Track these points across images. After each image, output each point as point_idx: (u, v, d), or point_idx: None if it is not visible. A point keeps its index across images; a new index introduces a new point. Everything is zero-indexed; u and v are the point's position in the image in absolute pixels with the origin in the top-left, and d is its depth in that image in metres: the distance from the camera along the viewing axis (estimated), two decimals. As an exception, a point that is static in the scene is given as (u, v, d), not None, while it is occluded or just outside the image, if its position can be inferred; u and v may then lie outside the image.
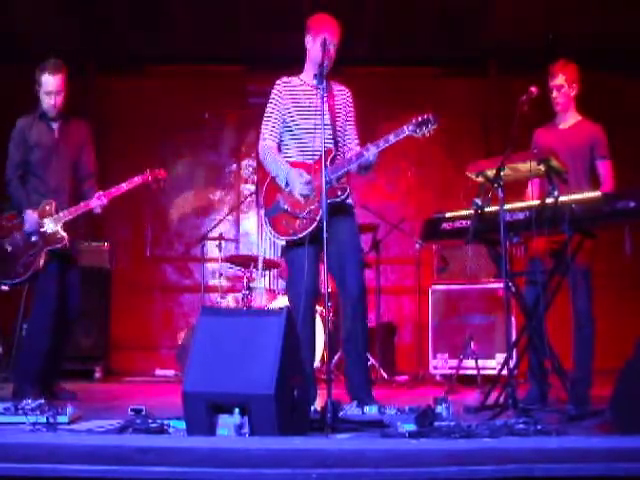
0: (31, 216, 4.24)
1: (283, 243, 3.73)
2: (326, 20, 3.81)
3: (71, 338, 4.60)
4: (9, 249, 4.29)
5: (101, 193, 4.27)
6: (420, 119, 3.59)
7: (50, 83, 4.28)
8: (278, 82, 3.89)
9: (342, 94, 3.94)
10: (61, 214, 4.26)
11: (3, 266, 4.30)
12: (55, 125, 4.42)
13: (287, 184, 3.71)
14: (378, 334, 5.94)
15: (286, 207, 3.71)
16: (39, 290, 4.32)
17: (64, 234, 4.25)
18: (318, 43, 3.72)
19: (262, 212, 3.84)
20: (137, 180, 4.37)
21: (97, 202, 4.26)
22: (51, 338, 4.25)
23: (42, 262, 4.23)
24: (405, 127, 3.60)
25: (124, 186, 4.32)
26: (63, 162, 4.38)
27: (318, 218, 3.55)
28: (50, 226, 4.24)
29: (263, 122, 3.88)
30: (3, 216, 4.40)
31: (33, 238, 4.25)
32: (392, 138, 3.61)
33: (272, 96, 3.88)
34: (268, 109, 3.87)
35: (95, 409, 3.66)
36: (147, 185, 4.42)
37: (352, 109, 3.97)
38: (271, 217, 3.76)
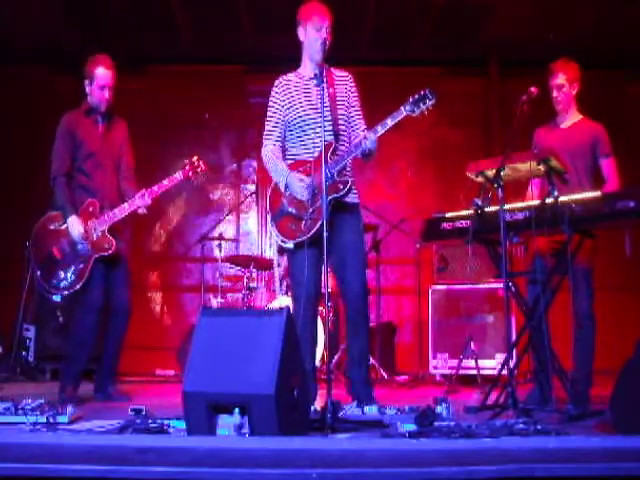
0: (75, 225, 4.14)
1: (291, 246, 3.70)
2: (314, 7, 3.79)
3: (122, 341, 4.57)
4: (58, 257, 4.19)
5: (144, 191, 4.16)
6: (417, 96, 3.50)
7: (106, 76, 4.27)
8: (275, 83, 3.89)
9: (343, 80, 3.89)
10: (106, 216, 4.17)
11: (53, 275, 4.19)
12: (100, 121, 4.38)
13: (287, 188, 3.71)
14: (378, 334, 5.93)
15: (290, 210, 3.71)
16: (85, 294, 4.22)
17: (112, 239, 4.17)
18: (309, 31, 3.74)
19: (269, 217, 3.84)
20: (178, 177, 4.25)
21: (141, 202, 4.18)
22: (95, 337, 4.28)
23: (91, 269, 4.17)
24: (402, 107, 3.52)
25: (165, 183, 4.21)
26: (109, 160, 4.35)
27: (320, 217, 3.49)
28: (97, 232, 4.16)
29: (265, 126, 3.89)
30: (48, 216, 4.28)
31: (80, 247, 4.17)
32: (390, 121, 3.52)
33: (271, 98, 3.88)
34: (268, 113, 3.88)
35: (95, 409, 3.66)
36: (188, 179, 4.29)
37: (355, 95, 3.91)
38: (277, 222, 3.76)
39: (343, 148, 3.74)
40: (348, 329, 3.78)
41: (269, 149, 3.84)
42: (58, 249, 4.19)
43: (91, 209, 4.20)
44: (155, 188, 4.18)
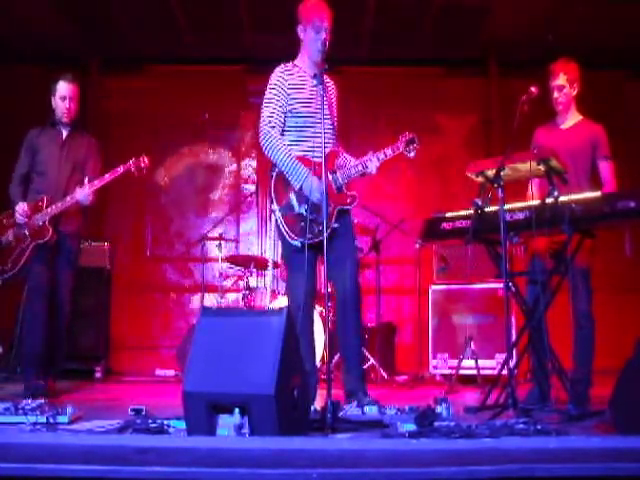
0: (21, 206, 4.43)
1: (298, 244, 3.69)
2: (315, 5, 3.79)
3: (66, 335, 4.63)
4: (2, 245, 4.52)
5: (85, 184, 4.41)
6: (408, 137, 3.87)
7: (65, 88, 4.60)
8: (280, 68, 3.85)
9: (331, 87, 3.98)
10: (49, 209, 4.42)
11: None
12: (64, 131, 4.65)
13: (301, 188, 3.70)
14: (378, 334, 5.94)
15: (302, 210, 3.70)
16: (30, 281, 4.49)
17: (50, 229, 4.41)
18: (310, 30, 3.75)
19: (274, 207, 3.77)
20: (119, 170, 4.46)
21: (81, 193, 4.39)
22: (46, 326, 4.41)
23: (29, 256, 4.41)
24: (399, 144, 3.87)
25: (107, 176, 4.43)
26: (66, 165, 4.58)
27: (332, 224, 3.69)
28: (39, 222, 4.41)
29: (266, 107, 3.80)
30: (6, 212, 4.60)
31: (22, 233, 4.44)
32: (389, 153, 3.85)
33: (275, 81, 3.81)
34: (271, 94, 3.80)
35: (95, 409, 3.66)
36: (130, 172, 4.49)
37: (336, 102, 4.02)
38: (286, 216, 3.73)
39: (340, 155, 3.88)
40: (340, 326, 3.80)
41: (276, 134, 3.75)
42: (3, 240, 4.53)
43: (40, 204, 4.46)
44: (96, 182, 4.42)
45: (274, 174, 3.79)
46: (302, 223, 3.68)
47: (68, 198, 4.42)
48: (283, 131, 3.82)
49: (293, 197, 3.73)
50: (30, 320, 4.46)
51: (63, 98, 4.57)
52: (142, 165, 4.49)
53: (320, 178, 3.64)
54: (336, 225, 3.47)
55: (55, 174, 4.54)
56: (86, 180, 4.43)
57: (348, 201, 3.79)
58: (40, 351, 4.38)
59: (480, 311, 5.59)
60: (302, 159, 3.74)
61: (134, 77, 7.48)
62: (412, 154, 3.87)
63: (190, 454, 2.08)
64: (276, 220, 3.78)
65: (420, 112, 7.16)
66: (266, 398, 2.46)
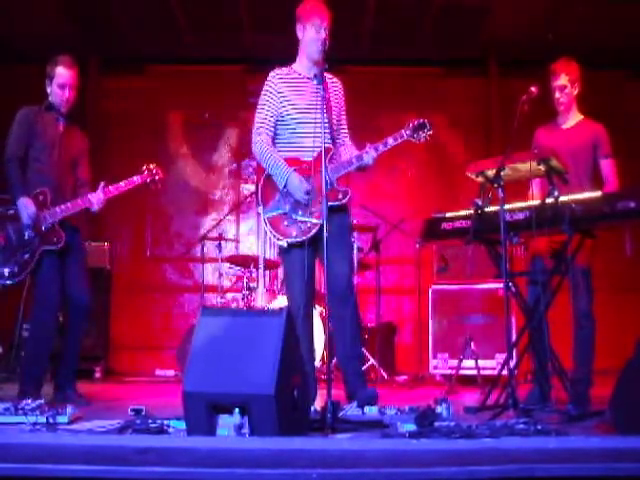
0: (26, 206, 4.01)
1: (285, 244, 3.70)
2: (314, 5, 3.79)
3: (83, 339, 4.40)
4: (2, 244, 4.04)
5: (100, 189, 4.15)
6: (416, 123, 3.72)
7: (64, 75, 4.23)
8: (271, 74, 3.86)
9: (335, 86, 3.94)
10: (58, 209, 4.08)
11: None
12: (61, 120, 4.30)
13: (285, 186, 3.69)
14: (378, 334, 5.93)
15: (287, 209, 3.71)
16: (39, 289, 4.11)
17: (61, 233, 4.08)
18: (309, 30, 3.75)
19: (260, 209, 3.80)
20: (136, 180, 4.30)
21: (95, 198, 4.12)
22: (55, 339, 4.16)
23: (37, 261, 4.03)
24: (403, 131, 3.72)
25: (122, 185, 4.24)
26: (65, 157, 4.26)
27: (320, 222, 3.52)
28: (47, 223, 4.05)
29: (257, 114, 3.84)
30: None
31: (27, 234, 4.04)
32: (391, 142, 3.72)
33: (267, 88, 3.84)
34: (263, 100, 3.83)
35: (95, 409, 3.66)
36: (145, 185, 4.37)
37: (343, 100, 3.97)
38: (271, 217, 3.74)
39: (337, 154, 3.80)
40: (334, 324, 3.71)
41: (263, 138, 3.78)
42: (3, 235, 4.07)
43: (41, 198, 4.09)
44: (111, 188, 4.19)
45: (262, 178, 3.82)
46: (286, 222, 3.69)
47: (79, 201, 4.12)
48: (277, 134, 3.83)
49: (278, 198, 3.74)
50: (39, 337, 4.10)
51: (62, 86, 4.20)
52: (157, 178, 4.36)
53: (306, 177, 3.66)
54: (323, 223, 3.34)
55: (54, 167, 4.18)
56: (101, 185, 4.16)
57: (340, 197, 3.69)
58: (43, 370, 4.13)
59: (480, 311, 5.59)
60: (293, 159, 3.75)
61: (134, 77, 7.49)
62: (422, 140, 3.71)
63: (190, 454, 2.08)
64: (263, 222, 3.77)
65: (420, 112, 7.14)
66: (266, 398, 2.46)
